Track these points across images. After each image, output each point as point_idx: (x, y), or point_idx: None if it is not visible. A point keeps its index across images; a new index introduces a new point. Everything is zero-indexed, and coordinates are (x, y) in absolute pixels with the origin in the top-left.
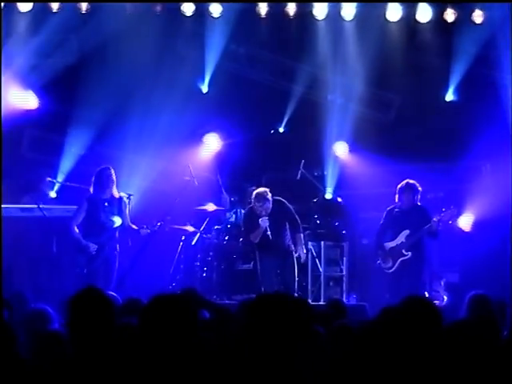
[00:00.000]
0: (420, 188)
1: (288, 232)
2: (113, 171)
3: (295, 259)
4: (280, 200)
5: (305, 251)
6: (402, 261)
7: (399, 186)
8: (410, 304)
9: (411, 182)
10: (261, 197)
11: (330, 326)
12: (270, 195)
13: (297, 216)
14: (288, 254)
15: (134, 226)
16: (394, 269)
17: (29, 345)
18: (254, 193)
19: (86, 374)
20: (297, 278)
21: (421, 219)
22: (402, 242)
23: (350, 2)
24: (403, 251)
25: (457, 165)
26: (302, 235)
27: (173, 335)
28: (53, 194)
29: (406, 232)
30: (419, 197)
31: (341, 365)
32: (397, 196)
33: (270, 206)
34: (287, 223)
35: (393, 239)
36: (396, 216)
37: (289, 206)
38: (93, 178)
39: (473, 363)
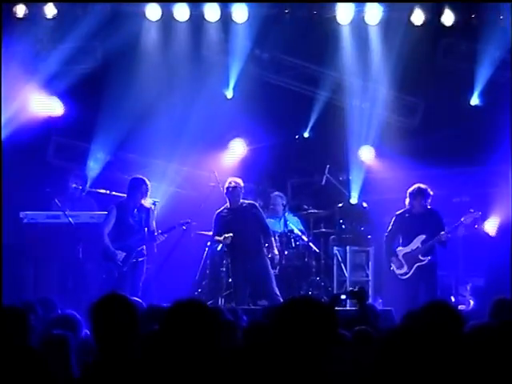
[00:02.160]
0: (431, 192)
1: (260, 235)
2: (148, 183)
3: (267, 262)
4: (254, 204)
5: (277, 252)
6: (418, 266)
7: (410, 190)
8: (433, 309)
9: (423, 186)
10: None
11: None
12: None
13: (266, 222)
14: (258, 257)
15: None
16: (409, 274)
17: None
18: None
19: (109, 380)
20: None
21: (435, 224)
22: (417, 248)
23: (375, 2)
24: (419, 256)
25: (482, 169)
26: (273, 238)
27: (194, 340)
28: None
29: (422, 237)
30: (430, 201)
31: (365, 369)
32: (407, 200)
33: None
34: (259, 228)
35: (406, 245)
36: (408, 221)
37: (261, 211)
38: (127, 185)
39: (495, 368)
